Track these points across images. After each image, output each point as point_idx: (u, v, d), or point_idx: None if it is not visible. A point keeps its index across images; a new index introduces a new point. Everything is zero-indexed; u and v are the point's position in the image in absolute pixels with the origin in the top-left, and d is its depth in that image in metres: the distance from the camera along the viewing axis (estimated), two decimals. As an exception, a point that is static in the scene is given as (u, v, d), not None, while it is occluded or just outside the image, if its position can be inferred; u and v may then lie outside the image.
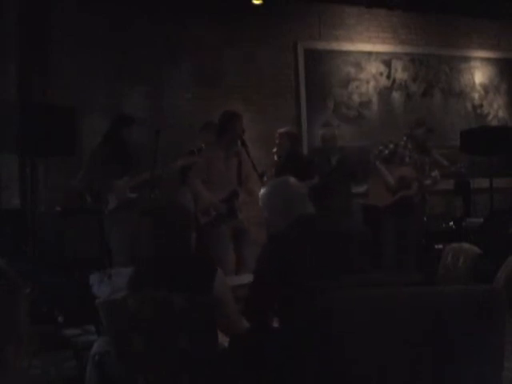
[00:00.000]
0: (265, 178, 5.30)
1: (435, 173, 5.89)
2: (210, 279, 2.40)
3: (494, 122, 8.13)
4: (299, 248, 2.43)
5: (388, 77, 7.74)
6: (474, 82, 8.17)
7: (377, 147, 5.92)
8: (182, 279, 2.40)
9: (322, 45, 7.40)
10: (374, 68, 7.67)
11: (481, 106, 8.19)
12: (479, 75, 8.20)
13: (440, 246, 6.05)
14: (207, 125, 5.55)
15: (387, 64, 7.74)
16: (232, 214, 4.91)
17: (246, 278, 3.30)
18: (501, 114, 8.28)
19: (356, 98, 7.55)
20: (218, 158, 4.92)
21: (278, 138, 5.80)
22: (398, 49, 7.81)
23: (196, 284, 2.38)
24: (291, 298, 2.28)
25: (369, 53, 7.64)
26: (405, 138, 5.90)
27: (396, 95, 7.78)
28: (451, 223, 6.96)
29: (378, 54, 7.69)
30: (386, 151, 5.83)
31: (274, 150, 5.82)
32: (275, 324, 2.60)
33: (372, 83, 7.64)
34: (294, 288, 2.23)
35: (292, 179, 2.78)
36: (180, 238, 2.53)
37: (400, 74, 7.81)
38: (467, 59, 8.15)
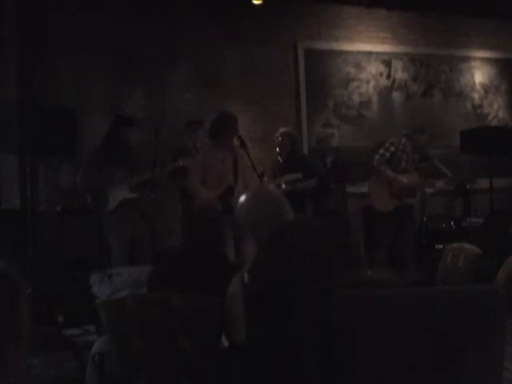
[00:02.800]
0: (265, 178, 5.30)
1: (440, 183, 5.78)
2: (229, 280, 2.39)
3: (494, 122, 8.12)
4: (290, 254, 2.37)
5: (388, 77, 7.74)
6: (474, 82, 8.17)
7: (377, 151, 5.75)
8: (207, 279, 2.39)
9: (321, 45, 7.40)
10: (373, 68, 7.67)
11: (481, 106, 8.19)
12: (479, 75, 8.20)
13: (440, 246, 6.06)
14: (191, 123, 5.63)
15: (387, 64, 7.74)
16: (228, 210, 4.96)
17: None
18: (501, 114, 8.27)
19: (356, 98, 7.54)
20: (214, 156, 5.01)
21: (280, 138, 5.75)
22: (398, 49, 7.80)
23: (219, 285, 2.36)
24: (289, 301, 2.26)
25: (369, 53, 7.63)
26: (403, 141, 5.73)
27: (396, 95, 7.77)
28: (451, 223, 6.96)
29: (378, 54, 7.68)
30: (388, 154, 5.70)
31: (277, 150, 5.75)
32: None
33: (372, 83, 7.64)
34: (293, 290, 2.22)
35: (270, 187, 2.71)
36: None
37: (400, 73, 7.80)
38: (467, 59, 8.14)
